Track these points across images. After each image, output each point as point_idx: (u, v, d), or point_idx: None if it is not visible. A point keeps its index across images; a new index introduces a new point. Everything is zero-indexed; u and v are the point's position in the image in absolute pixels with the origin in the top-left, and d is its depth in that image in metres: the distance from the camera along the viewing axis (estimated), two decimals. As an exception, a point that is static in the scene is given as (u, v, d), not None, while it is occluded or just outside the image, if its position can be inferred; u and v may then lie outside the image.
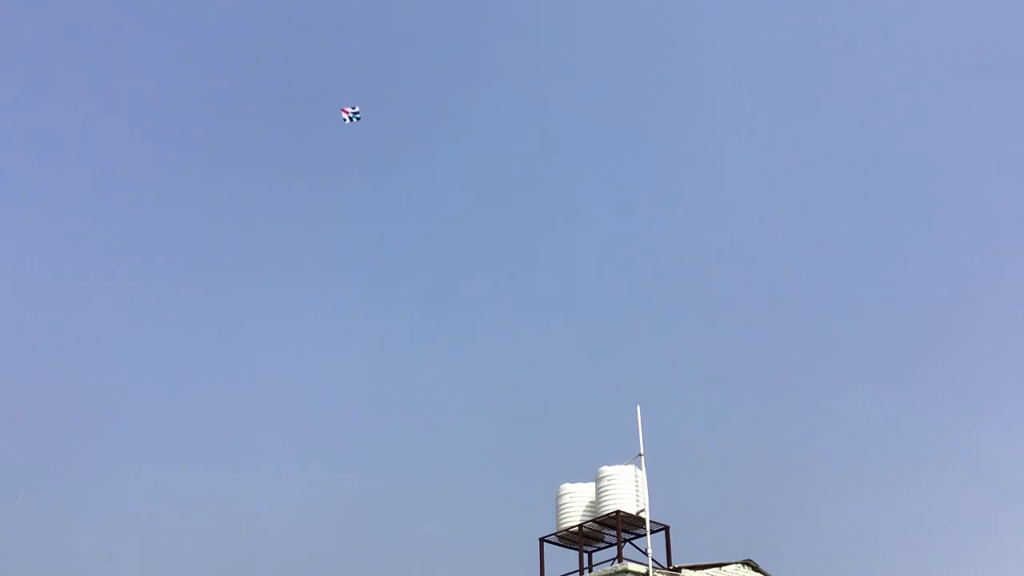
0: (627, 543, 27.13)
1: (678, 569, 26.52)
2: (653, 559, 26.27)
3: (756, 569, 27.81)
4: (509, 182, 72.06)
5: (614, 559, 26.75)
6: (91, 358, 64.75)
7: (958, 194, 65.78)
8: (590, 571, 27.67)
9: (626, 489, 27.23)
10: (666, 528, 27.25)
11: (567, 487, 28.49)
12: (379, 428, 64.13)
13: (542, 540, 28.06)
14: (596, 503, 27.70)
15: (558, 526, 28.11)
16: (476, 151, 72.84)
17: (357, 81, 73.15)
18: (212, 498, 59.09)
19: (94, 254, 68.05)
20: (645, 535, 26.69)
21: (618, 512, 26.82)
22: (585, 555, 28.03)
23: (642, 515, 26.92)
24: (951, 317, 63.31)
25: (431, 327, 68.73)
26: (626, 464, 27.53)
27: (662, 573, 26.21)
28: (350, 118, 35.53)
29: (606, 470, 27.65)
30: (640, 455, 27.41)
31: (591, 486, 28.13)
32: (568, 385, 62.60)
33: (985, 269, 63.66)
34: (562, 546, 28.23)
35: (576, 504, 28.08)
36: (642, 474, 27.37)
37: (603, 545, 28.16)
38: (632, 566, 25.87)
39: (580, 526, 27.60)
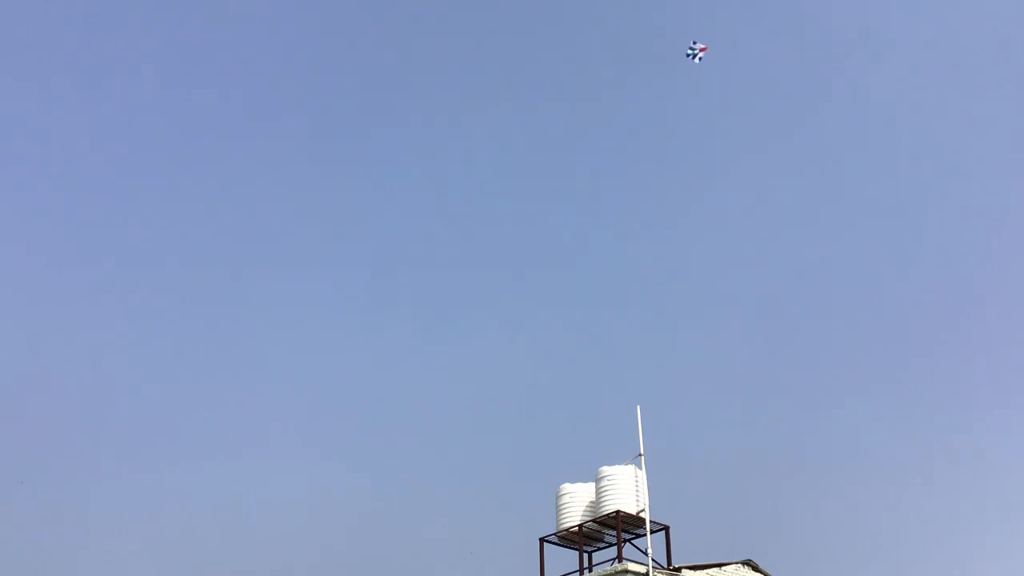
0: (627, 543, 27.15)
1: (678, 569, 26.53)
2: (653, 559, 26.28)
3: (756, 569, 27.81)
4: (508, 182, 72.14)
5: (614, 559, 26.76)
6: (91, 358, 64.82)
7: (958, 194, 65.88)
8: (590, 571, 27.68)
9: (626, 489, 27.23)
10: (666, 528, 27.26)
11: (567, 487, 28.49)
12: (379, 428, 64.17)
13: (542, 540, 28.06)
14: (596, 503, 27.71)
15: (558, 526, 28.12)
16: (476, 152, 72.91)
17: (358, 80, 73.28)
18: (212, 498, 59.15)
19: (94, 252, 68.10)
20: (645, 535, 26.70)
21: (618, 512, 26.83)
22: (585, 555, 28.04)
23: (642, 515, 26.92)
24: (951, 318, 63.40)
25: (431, 327, 68.80)
26: (626, 464, 27.54)
27: (662, 573, 26.22)
28: (693, 55, 34.87)
29: (606, 470, 27.65)
30: (640, 455, 27.43)
31: (591, 486, 28.14)
32: (568, 385, 62.65)
33: (986, 270, 63.74)
34: (562, 546, 28.23)
35: (576, 504, 28.08)
36: (642, 474, 27.38)
37: (603, 545, 28.16)
38: (632, 566, 25.88)
39: (580, 526, 27.60)
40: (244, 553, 54.93)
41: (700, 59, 34.84)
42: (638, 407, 27.60)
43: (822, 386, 61.82)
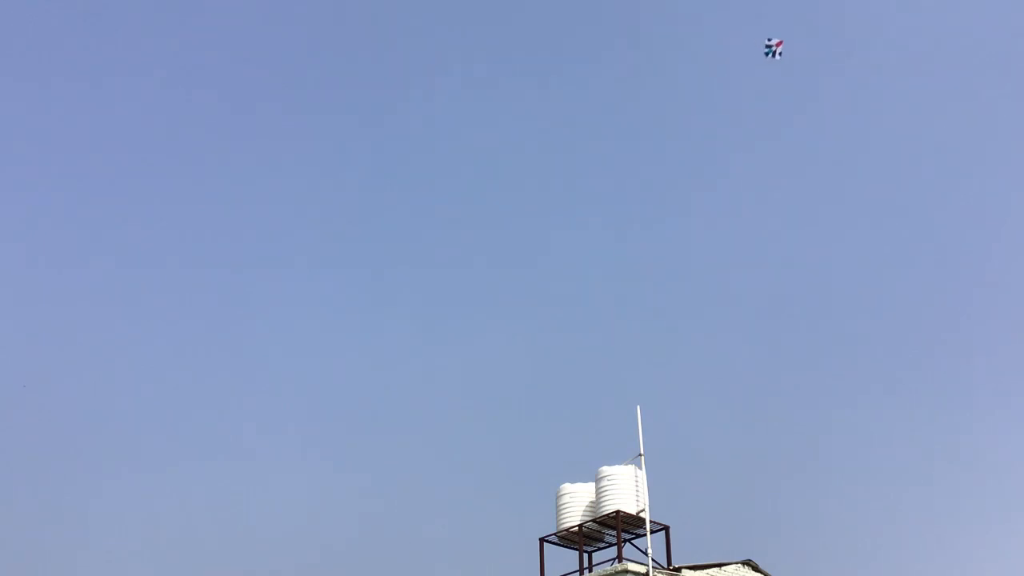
0: (627, 543, 27.15)
1: (678, 569, 26.52)
2: (653, 559, 26.28)
3: (756, 569, 27.81)
4: (509, 183, 72.14)
5: (614, 559, 26.76)
6: (91, 358, 64.80)
7: (958, 195, 65.88)
8: (590, 571, 27.67)
9: (626, 489, 27.22)
10: (666, 528, 27.25)
11: (567, 487, 28.49)
12: (379, 428, 64.16)
13: (542, 540, 28.06)
14: (596, 503, 27.70)
15: (558, 526, 28.11)
16: (476, 152, 72.90)
17: (358, 80, 73.25)
18: (212, 498, 59.14)
19: (95, 252, 68.09)
20: (645, 535, 26.69)
21: (618, 512, 26.82)
22: (585, 555, 28.04)
23: (642, 515, 26.92)
24: (951, 318, 63.39)
25: (431, 327, 68.78)
26: (626, 464, 27.54)
27: (662, 573, 26.21)
28: (771, 52, 33.42)
29: (606, 470, 27.64)
30: (640, 455, 27.43)
31: (591, 486, 28.13)
32: (568, 385, 62.64)
33: (986, 270, 63.74)
34: (562, 546, 28.23)
35: (576, 504, 28.07)
36: (642, 474, 27.38)
37: (603, 545, 28.16)
38: (632, 566, 25.87)
39: (580, 526, 27.60)
40: (244, 553, 54.96)
41: (780, 55, 33.44)
42: (638, 407, 27.63)
43: (822, 386, 61.86)
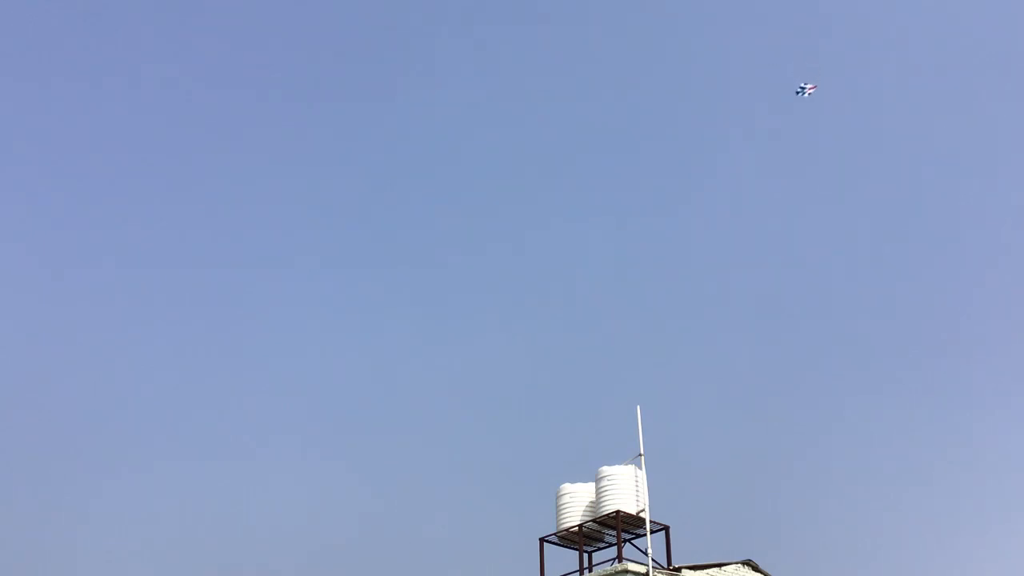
0: (627, 543, 27.14)
1: (678, 569, 26.52)
2: (653, 559, 26.28)
3: (756, 569, 27.80)
4: (509, 182, 72.15)
5: (614, 559, 26.75)
6: (91, 358, 64.79)
7: (958, 194, 65.88)
8: (590, 571, 27.67)
9: (626, 489, 27.22)
10: (666, 528, 27.25)
11: (567, 487, 28.48)
12: (379, 429, 64.19)
13: (542, 540, 28.05)
14: (596, 503, 27.70)
15: (558, 526, 28.11)
16: (476, 152, 72.91)
17: (357, 80, 73.26)
18: (212, 498, 59.14)
19: (95, 252, 68.11)
20: (645, 535, 26.69)
21: (618, 512, 26.82)
22: (585, 555, 28.03)
23: (642, 515, 26.92)
24: (952, 318, 63.40)
25: (431, 327, 68.83)
26: (626, 464, 27.53)
27: (662, 573, 26.21)
28: (803, 91, 36.23)
29: (606, 470, 27.64)
30: (640, 455, 27.42)
31: (591, 486, 28.13)
32: (568, 385, 62.67)
33: (987, 271, 63.74)
34: (562, 546, 28.22)
35: (576, 504, 28.06)
36: (642, 474, 27.37)
37: (603, 545, 28.16)
38: (632, 566, 25.87)
39: (580, 526, 27.60)
40: (244, 553, 54.95)
41: (811, 93, 36.29)
42: (638, 407, 27.63)
43: (822, 386, 61.91)
